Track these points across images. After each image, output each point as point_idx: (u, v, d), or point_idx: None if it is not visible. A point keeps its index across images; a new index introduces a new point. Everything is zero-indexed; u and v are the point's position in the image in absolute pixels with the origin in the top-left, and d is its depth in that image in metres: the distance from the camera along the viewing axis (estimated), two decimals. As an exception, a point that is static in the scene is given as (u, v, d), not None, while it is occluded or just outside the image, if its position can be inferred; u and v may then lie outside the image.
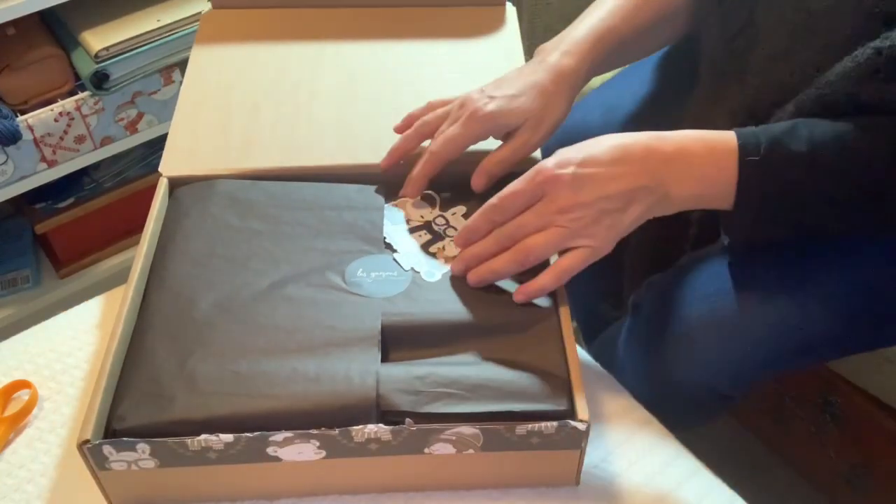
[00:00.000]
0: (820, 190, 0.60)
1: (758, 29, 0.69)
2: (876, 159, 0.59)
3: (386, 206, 0.72)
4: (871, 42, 0.59)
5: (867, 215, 0.63)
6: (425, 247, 0.69)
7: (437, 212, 0.72)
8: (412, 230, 0.70)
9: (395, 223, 0.71)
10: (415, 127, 0.72)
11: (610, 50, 0.73)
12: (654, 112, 0.84)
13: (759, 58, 0.68)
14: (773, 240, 0.65)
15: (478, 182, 0.70)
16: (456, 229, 0.70)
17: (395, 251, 0.68)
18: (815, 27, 0.64)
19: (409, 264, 0.67)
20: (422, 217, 0.72)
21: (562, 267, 0.62)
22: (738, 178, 0.60)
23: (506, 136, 0.70)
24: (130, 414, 0.57)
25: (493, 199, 0.63)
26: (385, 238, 0.69)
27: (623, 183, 0.60)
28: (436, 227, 0.71)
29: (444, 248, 0.69)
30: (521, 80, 0.70)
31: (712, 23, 0.74)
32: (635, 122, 0.86)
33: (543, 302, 0.64)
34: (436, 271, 0.67)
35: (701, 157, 0.61)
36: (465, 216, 0.71)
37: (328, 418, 0.56)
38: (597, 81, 1.09)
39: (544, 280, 0.63)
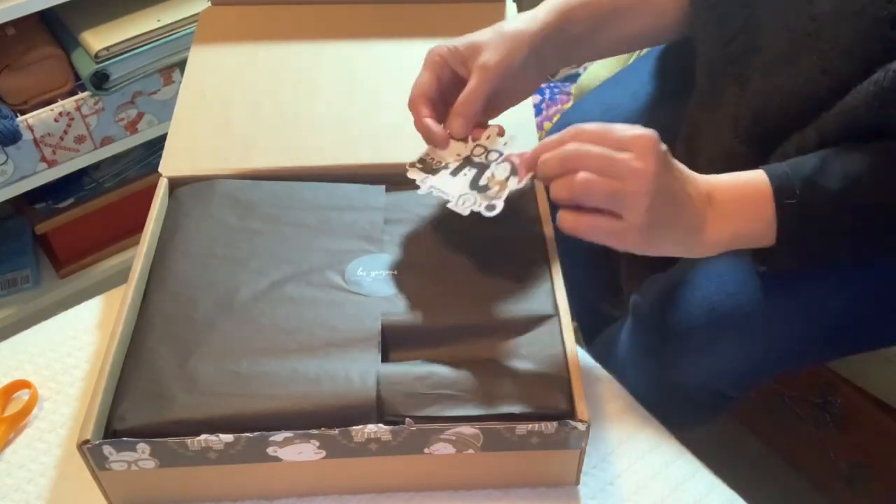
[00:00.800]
0: (857, 225, 0.60)
1: (757, 33, 0.69)
2: None
3: (413, 165, 0.69)
4: (892, 64, 0.58)
5: None
6: (474, 182, 0.66)
7: (471, 144, 0.68)
8: (454, 172, 0.67)
9: (433, 175, 0.68)
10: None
11: (575, 24, 0.71)
12: (653, 112, 0.84)
13: (762, 63, 0.68)
14: (811, 268, 0.65)
15: (454, 127, 0.67)
16: (499, 152, 0.66)
17: (447, 202, 0.65)
18: (819, 32, 0.63)
19: (466, 209, 0.64)
20: (458, 155, 0.68)
21: (588, 222, 0.58)
22: (777, 222, 0.59)
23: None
24: (131, 414, 0.57)
25: (587, 125, 0.59)
26: (433, 191, 0.66)
27: (687, 202, 0.59)
28: (476, 159, 0.67)
29: (493, 175, 0.65)
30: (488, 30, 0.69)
31: (708, 26, 0.73)
32: (633, 121, 0.86)
33: (543, 302, 0.64)
34: (496, 203, 0.62)
35: (735, 202, 0.60)
36: (501, 133, 0.68)
37: (328, 419, 0.56)
38: (595, 81, 1.10)
39: (565, 216, 0.59)
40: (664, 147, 0.57)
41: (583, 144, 0.57)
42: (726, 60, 0.71)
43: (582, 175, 0.56)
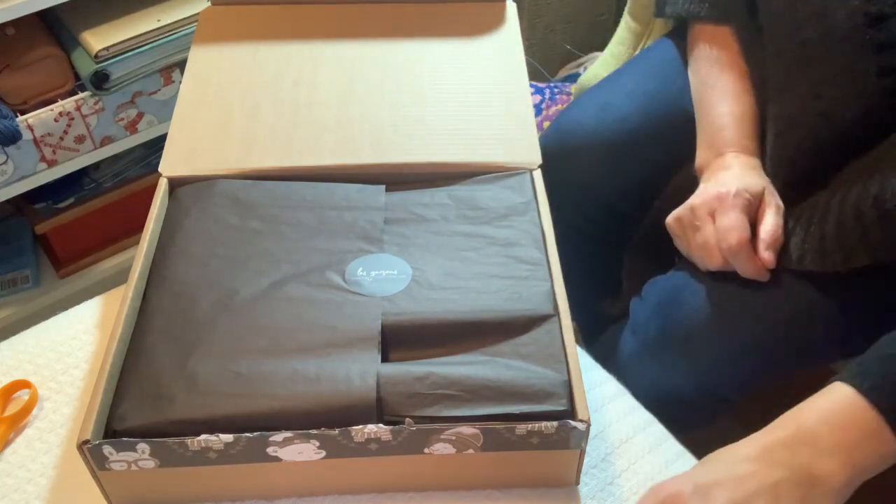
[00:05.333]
0: None
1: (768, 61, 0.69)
2: None
3: None
4: None
5: None
6: None
7: None
8: None
9: None
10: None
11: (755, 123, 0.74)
12: (647, 111, 0.84)
13: (771, 91, 0.68)
14: None
15: (768, 259, 0.68)
16: None
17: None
18: (809, 58, 0.63)
19: None
20: None
21: None
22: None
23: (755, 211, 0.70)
24: (130, 414, 0.57)
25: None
26: None
27: (755, 481, 0.52)
28: None
29: None
30: (738, 168, 0.71)
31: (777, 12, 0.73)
32: (629, 120, 0.86)
33: (543, 302, 0.64)
34: None
35: (832, 428, 0.53)
36: None
37: (328, 419, 0.56)
38: (594, 81, 1.10)
39: None
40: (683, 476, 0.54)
41: None
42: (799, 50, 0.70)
43: None
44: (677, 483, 0.53)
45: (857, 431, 0.52)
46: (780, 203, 0.69)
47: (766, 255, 0.67)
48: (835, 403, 0.53)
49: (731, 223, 0.67)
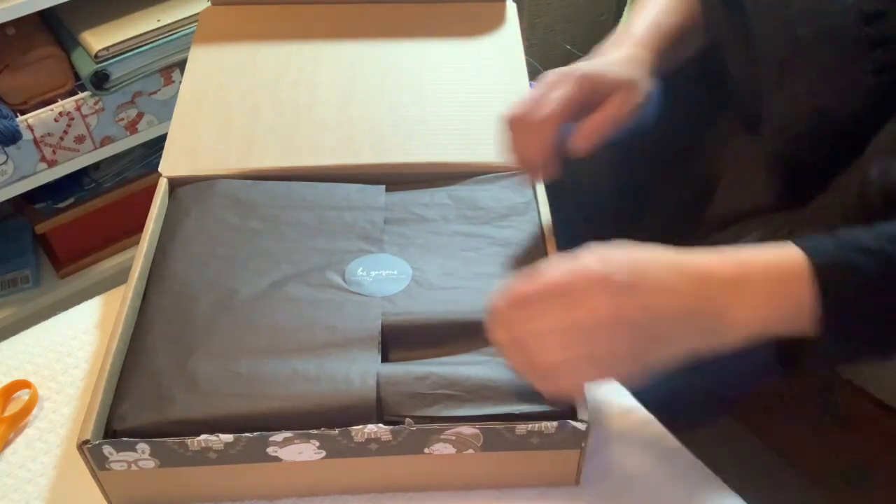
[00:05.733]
0: None
1: (757, 59, 0.69)
2: None
3: None
4: None
5: None
6: None
7: None
8: None
9: None
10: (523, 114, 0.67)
11: (665, 49, 0.72)
12: (647, 111, 0.84)
13: (765, 90, 0.68)
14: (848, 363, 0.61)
15: (577, 146, 0.66)
16: None
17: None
18: (803, 56, 0.63)
19: None
20: None
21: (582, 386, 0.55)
22: (816, 305, 0.51)
23: (599, 103, 0.67)
24: (131, 414, 0.57)
25: (521, 292, 0.52)
26: None
27: (672, 304, 0.51)
28: None
29: None
30: (609, 54, 0.69)
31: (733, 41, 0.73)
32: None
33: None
34: None
35: (765, 280, 0.51)
36: None
37: (328, 419, 0.56)
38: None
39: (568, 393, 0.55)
40: (608, 257, 0.51)
41: (526, 322, 0.51)
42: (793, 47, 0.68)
43: (543, 359, 0.51)
44: (595, 264, 0.51)
45: (784, 287, 0.51)
46: (637, 98, 0.67)
47: (576, 141, 0.66)
48: (779, 259, 0.52)
49: (553, 96, 0.65)
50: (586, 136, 0.66)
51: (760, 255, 0.52)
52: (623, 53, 0.69)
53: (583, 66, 0.66)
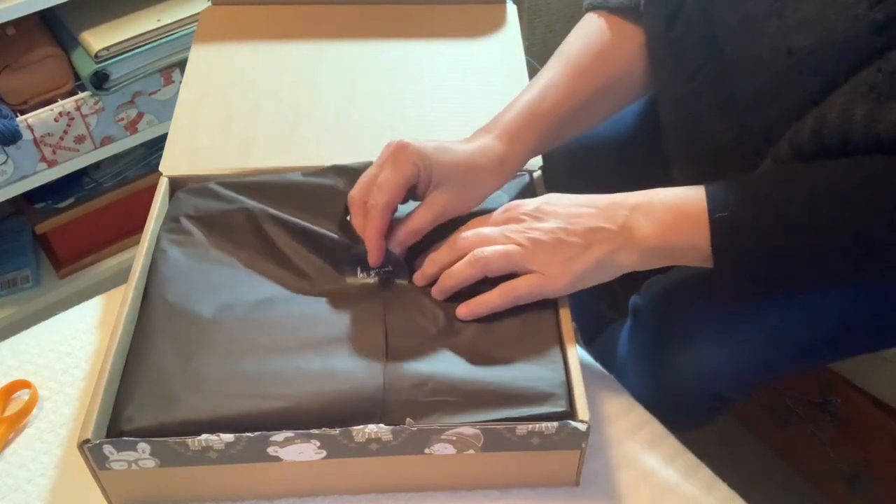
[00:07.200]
0: (799, 244, 0.59)
1: (724, 69, 0.67)
2: (873, 215, 0.57)
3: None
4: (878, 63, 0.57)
5: (855, 268, 0.61)
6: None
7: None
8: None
9: None
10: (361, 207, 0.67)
11: (545, 133, 0.71)
12: (648, 111, 0.84)
13: (741, 100, 0.66)
14: (756, 291, 0.65)
15: (394, 248, 0.66)
16: None
17: None
18: (800, 67, 0.62)
19: None
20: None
21: (511, 286, 0.62)
22: (710, 236, 0.59)
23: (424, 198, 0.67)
24: (138, 415, 0.57)
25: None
26: None
27: (583, 220, 0.62)
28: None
29: None
30: (456, 145, 0.68)
31: (668, 64, 0.72)
32: (629, 120, 0.86)
33: (543, 302, 0.64)
34: None
35: (667, 207, 0.60)
36: None
37: (332, 419, 0.56)
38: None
39: (491, 296, 0.63)
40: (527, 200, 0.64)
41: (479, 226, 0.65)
42: (692, 96, 0.70)
43: (479, 251, 0.62)
44: (527, 201, 0.64)
45: (683, 217, 0.60)
46: (450, 205, 0.66)
47: (396, 247, 0.66)
48: (685, 194, 0.61)
49: (387, 180, 0.64)
50: (401, 242, 0.67)
51: (669, 191, 0.62)
52: (477, 145, 0.68)
53: (427, 148, 0.65)
